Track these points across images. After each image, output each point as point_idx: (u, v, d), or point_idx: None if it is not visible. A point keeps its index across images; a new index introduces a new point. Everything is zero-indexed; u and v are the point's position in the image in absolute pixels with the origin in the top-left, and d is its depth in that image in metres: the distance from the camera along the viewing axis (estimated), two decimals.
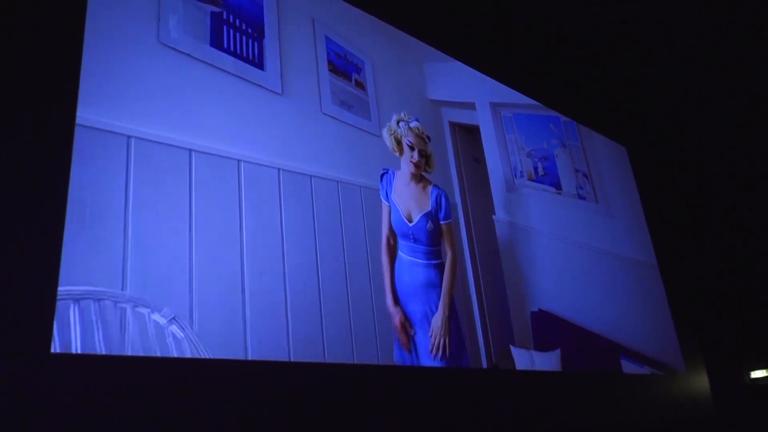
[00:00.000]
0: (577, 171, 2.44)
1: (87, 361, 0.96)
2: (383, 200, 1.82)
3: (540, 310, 2.09)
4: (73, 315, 0.91)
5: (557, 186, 2.41)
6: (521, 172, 2.34)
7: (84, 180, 0.99)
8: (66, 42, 1.04)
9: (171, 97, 1.15)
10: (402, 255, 1.79)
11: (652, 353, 2.48)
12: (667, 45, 2.98)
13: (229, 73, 1.30)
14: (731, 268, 3.29)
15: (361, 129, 1.70)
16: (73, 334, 0.91)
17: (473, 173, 2.15)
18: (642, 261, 2.52)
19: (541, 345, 2.03)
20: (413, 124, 2.00)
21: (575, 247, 2.33)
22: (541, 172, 2.40)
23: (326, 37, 1.66)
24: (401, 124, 1.97)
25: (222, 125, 1.26)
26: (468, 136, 2.20)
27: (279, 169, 1.36)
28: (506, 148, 2.31)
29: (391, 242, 1.80)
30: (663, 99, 3.39)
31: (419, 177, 1.95)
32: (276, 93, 1.43)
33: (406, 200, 1.87)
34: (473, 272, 1.94)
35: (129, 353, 0.96)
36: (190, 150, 1.13)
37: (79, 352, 0.93)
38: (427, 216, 1.90)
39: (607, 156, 2.68)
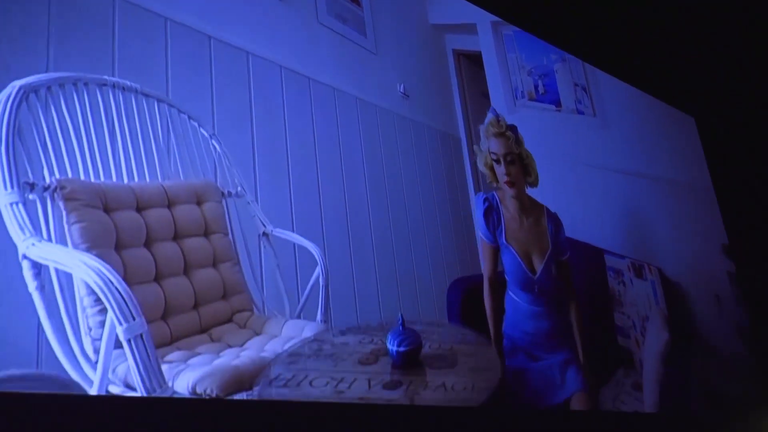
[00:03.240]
0: (576, 85, 2.53)
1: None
2: (483, 237, 1.56)
3: None
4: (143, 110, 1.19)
5: (557, 103, 2.51)
6: (522, 92, 2.45)
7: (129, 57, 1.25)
8: None
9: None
10: (518, 301, 1.59)
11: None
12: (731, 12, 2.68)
13: None
14: None
15: (355, 43, 1.87)
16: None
17: (480, 108, 2.14)
18: (641, 172, 2.60)
19: None
20: (487, 120, 1.54)
21: (577, 164, 2.44)
22: (541, 90, 2.50)
23: None
24: (480, 129, 1.50)
25: (236, 24, 1.48)
26: (474, 67, 2.25)
27: (281, 67, 1.58)
28: (507, 68, 2.41)
29: (496, 285, 1.52)
30: (732, 66, 3.06)
31: (526, 202, 1.59)
32: None
33: (524, 243, 1.54)
34: None
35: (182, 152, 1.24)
36: (209, 37, 1.38)
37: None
38: (551, 260, 1.55)
39: None
